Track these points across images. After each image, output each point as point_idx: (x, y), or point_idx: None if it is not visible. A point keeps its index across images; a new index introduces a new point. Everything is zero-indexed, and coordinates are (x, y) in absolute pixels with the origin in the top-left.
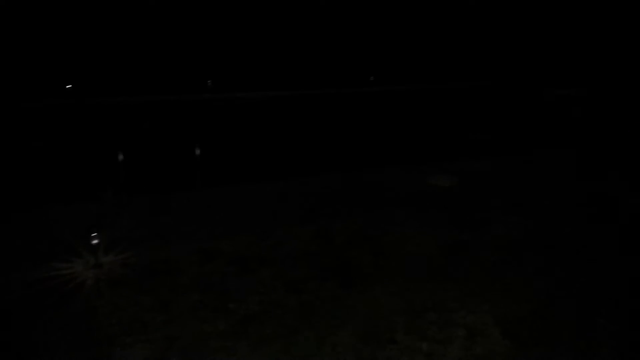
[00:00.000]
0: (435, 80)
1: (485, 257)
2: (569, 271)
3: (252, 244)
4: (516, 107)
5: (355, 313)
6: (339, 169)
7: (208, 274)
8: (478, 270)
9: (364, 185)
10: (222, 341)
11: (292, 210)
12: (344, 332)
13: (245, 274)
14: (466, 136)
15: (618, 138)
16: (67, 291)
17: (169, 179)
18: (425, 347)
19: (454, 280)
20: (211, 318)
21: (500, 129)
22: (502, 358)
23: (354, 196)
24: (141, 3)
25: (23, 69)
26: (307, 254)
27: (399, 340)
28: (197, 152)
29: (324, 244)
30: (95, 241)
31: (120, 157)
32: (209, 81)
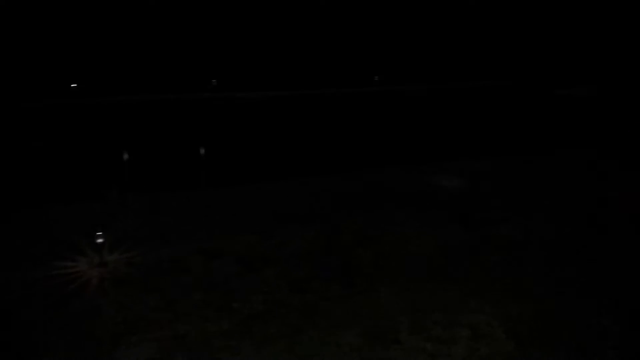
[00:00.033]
0: (449, 79)
1: (486, 257)
2: (569, 271)
3: (256, 244)
4: (522, 106)
5: (359, 313)
6: (338, 169)
7: (212, 273)
8: (478, 270)
9: (364, 185)
10: (226, 340)
11: (293, 211)
12: (348, 332)
13: (249, 273)
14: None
15: (624, 137)
16: (71, 290)
17: (169, 179)
18: (429, 347)
19: (455, 280)
20: (215, 317)
21: (502, 129)
22: (505, 358)
23: (354, 196)
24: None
25: (23, 68)
26: (310, 254)
27: (403, 340)
28: (196, 152)
29: (326, 244)
30: (99, 240)
31: (125, 156)
32: (213, 80)
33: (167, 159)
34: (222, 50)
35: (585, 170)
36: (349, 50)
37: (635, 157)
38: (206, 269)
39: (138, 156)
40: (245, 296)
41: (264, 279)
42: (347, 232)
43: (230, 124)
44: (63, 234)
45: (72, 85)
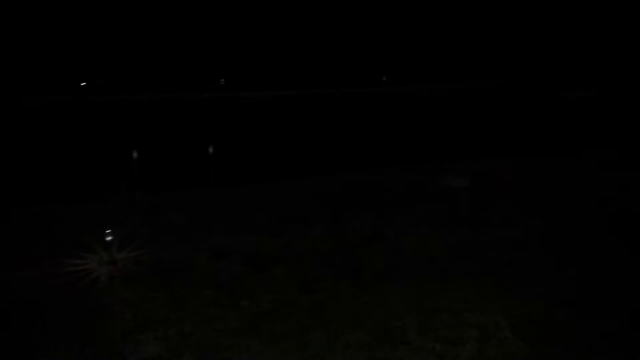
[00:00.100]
0: (452, 80)
1: (488, 257)
2: (569, 271)
3: (264, 243)
4: (524, 107)
5: (367, 312)
6: (338, 169)
7: (220, 271)
8: (481, 271)
9: (364, 185)
10: (234, 338)
11: (296, 210)
12: (356, 332)
13: (257, 272)
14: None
15: (627, 138)
16: (79, 288)
17: (170, 179)
18: (438, 348)
19: (459, 280)
20: (224, 316)
21: (502, 129)
22: (509, 358)
23: (355, 196)
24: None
25: (23, 68)
26: (316, 253)
27: (411, 340)
28: (196, 152)
29: (332, 244)
30: (108, 238)
31: (127, 155)
32: (221, 80)
33: (168, 159)
34: (223, 51)
35: (587, 171)
36: (349, 50)
37: (637, 158)
38: (214, 267)
39: (140, 155)
40: (254, 295)
41: (272, 278)
42: (352, 232)
43: (231, 124)
44: (67, 233)
45: (70, 85)
